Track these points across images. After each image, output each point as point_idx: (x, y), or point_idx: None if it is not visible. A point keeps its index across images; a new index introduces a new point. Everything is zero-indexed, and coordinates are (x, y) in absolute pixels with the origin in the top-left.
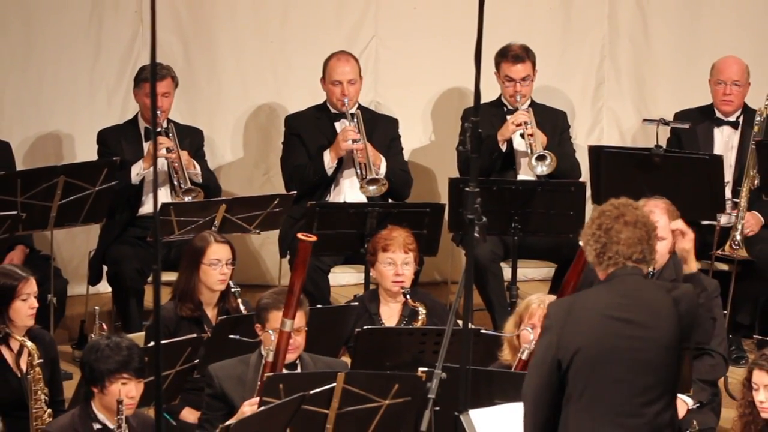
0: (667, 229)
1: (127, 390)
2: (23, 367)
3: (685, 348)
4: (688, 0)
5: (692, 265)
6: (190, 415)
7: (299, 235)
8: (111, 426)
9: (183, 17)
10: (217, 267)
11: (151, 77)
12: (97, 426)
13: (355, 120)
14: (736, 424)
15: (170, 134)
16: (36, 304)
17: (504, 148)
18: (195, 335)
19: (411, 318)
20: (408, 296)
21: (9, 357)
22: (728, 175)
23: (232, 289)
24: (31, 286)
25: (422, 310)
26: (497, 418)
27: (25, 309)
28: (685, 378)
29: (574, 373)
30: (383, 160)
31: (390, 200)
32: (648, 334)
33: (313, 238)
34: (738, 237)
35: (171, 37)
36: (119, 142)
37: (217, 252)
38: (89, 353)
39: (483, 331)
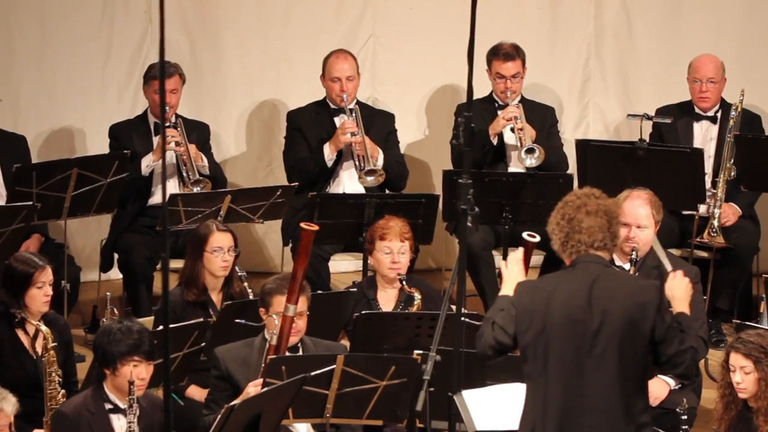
0: (650, 219)
1: (138, 372)
2: (38, 350)
3: (646, 339)
4: (670, 2)
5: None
6: (195, 392)
7: (302, 225)
8: (122, 406)
9: (190, 17)
10: (219, 254)
11: (160, 75)
12: (108, 406)
13: (354, 115)
14: (718, 405)
15: (178, 128)
16: (50, 292)
17: (495, 141)
18: (202, 320)
19: (407, 303)
20: (404, 282)
21: (25, 340)
22: (707, 166)
23: (238, 274)
24: (46, 275)
25: (417, 296)
26: (489, 399)
27: (40, 296)
28: None
29: (532, 353)
30: (381, 152)
31: (387, 191)
32: (603, 319)
33: (316, 228)
34: (715, 224)
35: (179, 36)
36: (130, 136)
37: (219, 240)
38: (101, 337)
39: (464, 319)
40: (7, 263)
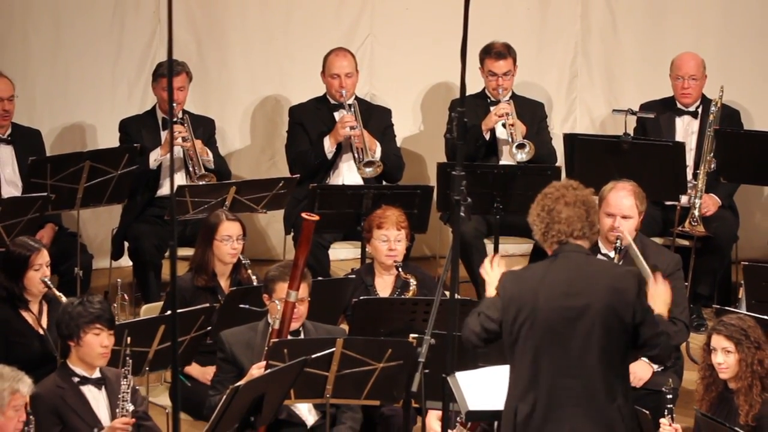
0: (634, 209)
1: (101, 340)
2: (44, 325)
3: (626, 323)
4: (654, 2)
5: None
6: (193, 369)
7: (304, 215)
8: (88, 376)
9: (197, 18)
10: (228, 242)
11: (168, 73)
12: (76, 379)
13: (352, 110)
14: (699, 386)
15: (185, 124)
16: (48, 273)
17: (487, 136)
18: (208, 305)
19: (403, 289)
20: (400, 269)
21: (30, 319)
22: (689, 159)
23: (243, 262)
24: (42, 257)
25: (413, 282)
26: (481, 380)
27: (37, 278)
28: None
29: (518, 337)
30: (378, 145)
31: (384, 183)
32: (584, 304)
33: (317, 218)
34: (696, 214)
35: (186, 35)
36: (139, 131)
37: (228, 229)
38: (63, 313)
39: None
40: (4, 249)
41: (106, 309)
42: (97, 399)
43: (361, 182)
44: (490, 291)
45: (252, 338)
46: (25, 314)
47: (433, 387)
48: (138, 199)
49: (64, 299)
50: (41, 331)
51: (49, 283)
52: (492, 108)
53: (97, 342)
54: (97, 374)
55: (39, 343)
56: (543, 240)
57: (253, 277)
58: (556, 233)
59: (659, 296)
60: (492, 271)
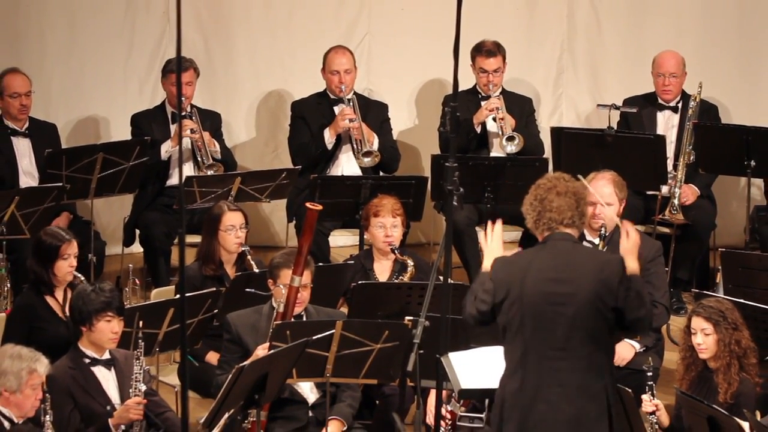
0: (614, 196)
1: (111, 326)
2: (68, 311)
3: (610, 307)
4: (636, 3)
5: (631, 266)
6: (213, 357)
7: (308, 205)
8: (99, 358)
9: (204, 18)
10: (232, 231)
11: (177, 69)
12: (87, 360)
13: (351, 104)
14: (680, 366)
15: (193, 117)
16: (75, 263)
17: (479, 130)
18: (214, 289)
19: (401, 271)
20: (396, 251)
21: (55, 306)
22: (669, 151)
23: (242, 248)
24: (72, 248)
25: (410, 262)
26: (472, 360)
27: (65, 267)
28: None
29: (507, 319)
30: (376, 137)
31: (381, 173)
32: (571, 290)
33: (320, 208)
34: (676, 203)
35: (194, 34)
36: (149, 125)
37: (231, 219)
38: (77, 298)
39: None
40: (37, 237)
41: (116, 297)
42: (107, 379)
43: (359, 173)
44: (486, 262)
45: (257, 321)
46: (50, 300)
47: (427, 367)
48: (148, 189)
49: None
50: (65, 318)
51: (82, 278)
52: (483, 103)
53: (108, 328)
54: (106, 355)
55: (65, 329)
56: (534, 227)
57: (253, 263)
58: (547, 221)
59: (629, 250)
60: (491, 239)
